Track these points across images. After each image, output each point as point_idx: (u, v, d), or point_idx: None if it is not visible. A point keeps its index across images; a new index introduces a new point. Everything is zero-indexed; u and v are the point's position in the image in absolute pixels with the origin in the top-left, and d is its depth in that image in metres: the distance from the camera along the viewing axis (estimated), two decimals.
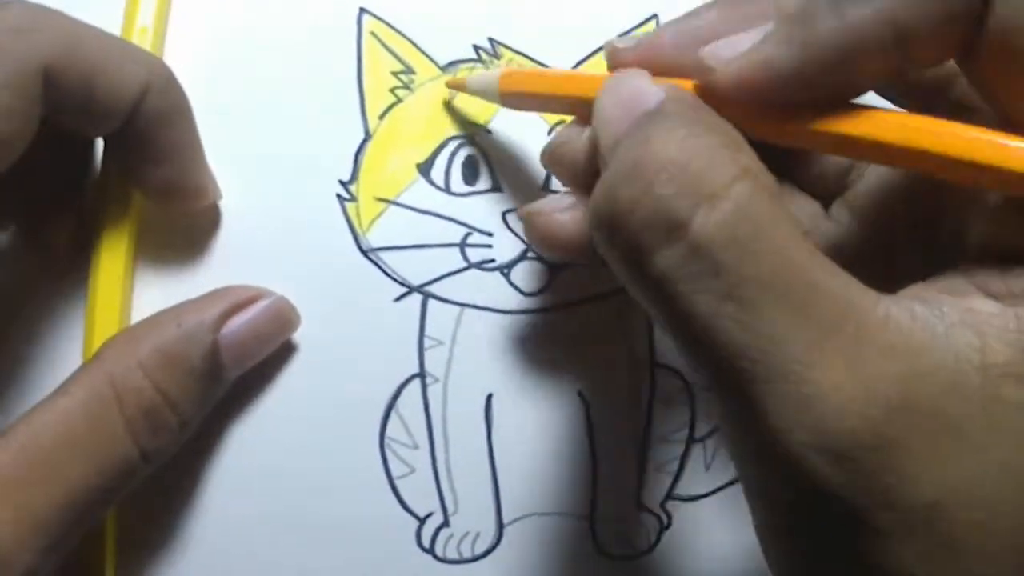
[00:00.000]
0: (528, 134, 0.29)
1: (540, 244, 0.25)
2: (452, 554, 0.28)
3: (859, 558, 0.18)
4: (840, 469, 0.17)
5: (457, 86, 0.28)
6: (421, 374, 0.28)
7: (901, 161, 0.20)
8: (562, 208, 0.24)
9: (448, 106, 0.29)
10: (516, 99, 0.26)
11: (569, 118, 0.26)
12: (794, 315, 0.18)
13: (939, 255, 0.20)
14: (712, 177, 0.18)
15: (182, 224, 0.28)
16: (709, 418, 0.29)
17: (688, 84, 0.21)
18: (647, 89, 0.21)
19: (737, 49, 0.20)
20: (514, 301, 0.29)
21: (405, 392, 0.28)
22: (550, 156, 0.25)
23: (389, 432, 0.28)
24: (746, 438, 0.19)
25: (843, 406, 0.17)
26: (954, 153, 0.19)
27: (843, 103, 0.20)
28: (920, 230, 0.22)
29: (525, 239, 0.25)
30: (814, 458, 0.17)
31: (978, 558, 0.18)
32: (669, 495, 0.29)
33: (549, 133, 0.29)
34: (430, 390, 0.28)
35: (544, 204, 0.24)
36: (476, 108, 0.29)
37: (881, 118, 0.20)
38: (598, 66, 0.29)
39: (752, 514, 0.21)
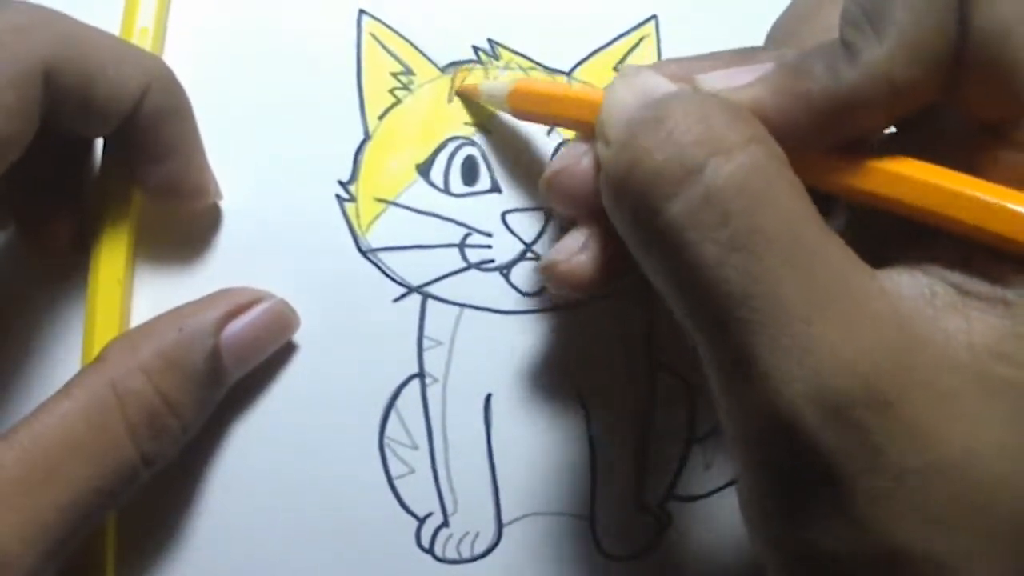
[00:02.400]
0: (528, 134, 0.29)
1: (566, 290, 0.25)
2: (452, 554, 0.28)
3: (843, 521, 0.18)
4: (834, 426, 0.18)
5: (469, 94, 0.29)
6: (420, 374, 0.28)
7: (879, 205, 0.21)
8: (577, 250, 0.24)
9: (449, 104, 0.29)
10: (525, 114, 0.27)
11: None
12: (797, 272, 0.18)
13: (928, 239, 0.20)
14: (728, 134, 0.19)
15: (182, 224, 0.28)
16: (709, 418, 0.29)
17: None
18: (660, 81, 0.22)
19: (732, 82, 0.21)
20: (513, 301, 0.29)
21: (404, 392, 0.28)
22: (549, 183, 0.25)
23: (388, 432, 0.28)
24: (740, 392, 0.19)
25: (840, 364, 0.18)
26: (952, 215, 0.20)
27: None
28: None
29: (547, 285, 0.25)
30: (809, 413, 0.18)
31: (964, 533, 0.18)
32: (669, 495, 0.29)
33: (548, 133, 0.29)
34: (429, 390, 0.28)
35: (559, 252, 0.24)
36: (476, 107, 0.29)
37: (864, 167, 0.20)
38: (597, 67, 0.30)
39: (737, 479, 0.21)
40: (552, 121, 0.27)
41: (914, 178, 0.20)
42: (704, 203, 0.18)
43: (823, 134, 0.20)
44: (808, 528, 0.19)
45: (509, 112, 0.27)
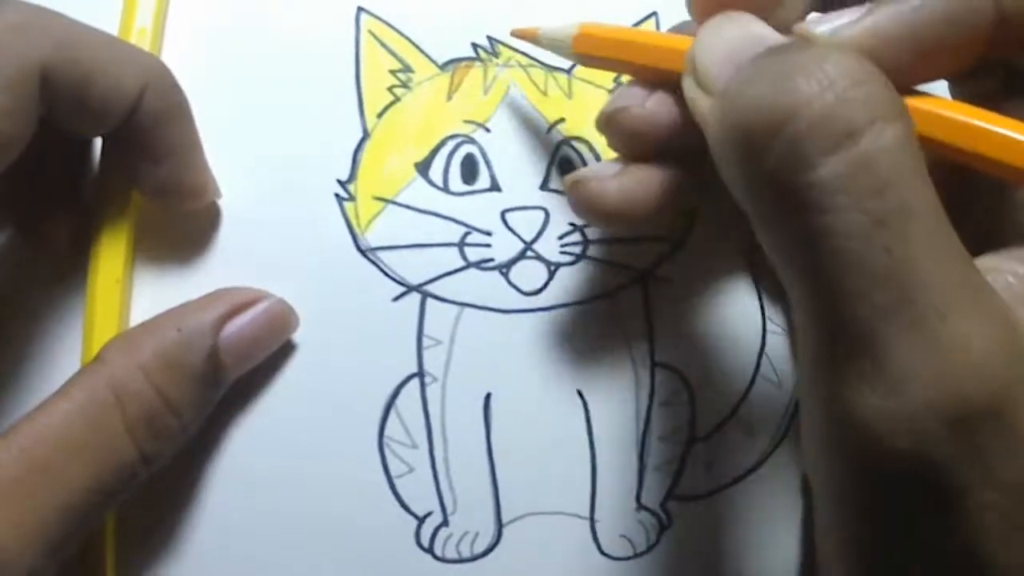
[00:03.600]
0: (527, 133, 0.29)
1: (585, 211, 0.24)
2: (451, 554, 0.28)
3: (948, 539, 0.17)
4: (952, 436, 0.17)
5: (527, 36, 0.28)
6: (420, 373, 0.28)
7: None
8: (609, 175, 0.24)
9: (448, 101, 0.29)
10: (589, 59, 0.26)
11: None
12: (938, 260, 0.17)
13: (977, 240, 0.20)
14: (887, 102, 0.18)
15: (181, 223, 0.28)
16: (709, 418, 0.29)
17: None
18: (766, 28, 0.21)
19: (834, 24, 0.20)
20: (513, 300, 0.29)
21: (404, 392, 0.28)
22: (607, 120, 0.24)
23: (388, 431, 0.28)
24: (853, 387, 0.17)
25: (969, 368, 0.17)
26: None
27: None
28: (958, 216, 0.21)
29: (571, 209, 0.25)
30: (931, 419, 0.17)
31: None
32: (669, 495, 0.28)
33: (548, 131, 0.29)
34: (429, 389, 0.28)
35: (590, 171, 0.24)
36: (476, 106, 0.29)
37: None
38: None
39: (814, 482, 0.20)
40: (619, 67, 0.26)
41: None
42: (862, 168, 0.17)
43: (938, 51, 0.20)
44: (903, 547, 0.18)
45: (572, 58, 0.27)
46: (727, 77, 0.20)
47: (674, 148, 0.24)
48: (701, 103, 0.21)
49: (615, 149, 0.25)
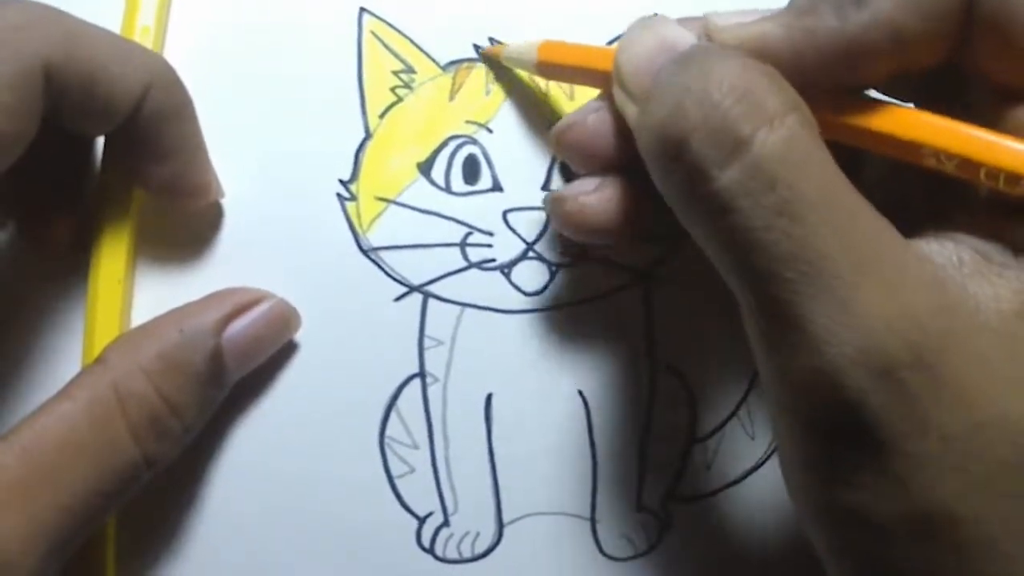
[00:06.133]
0: (529, 133, 0.29)
1: (569, 228, 0.25)
2: (452, 554, 0.28)
3: (888, 484, 0.18)
4: (880, 388, 0.18)
5: (493, 55, 0.29)
6: (421, 374, 0.28)
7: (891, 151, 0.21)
8: (588, 191, 0.25)
9: (450, 102, 0.29)
10: (551, 69, 0.27)
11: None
12: (840, 235, 0.19)
13: (951, 211, 0.21)
14: (771, 104, 0.19)
15: (183, 223, 0.28)
16: (710, 418, 0.29)
17: None
18: (678, 32, 0.22)
19: (742, 20, 0.21)
20: (514, 301, 0.29)
21: (405, 392, 0.28)
22: (558, 140, 0.25)
23: (389, 432, 0.28)
24: (786, 354, 0.19)
25: (886, 326, 0.18)
26: (955, 150, 0.20)
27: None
28: (931, 190, 0.22)
29: (553, 226, 0.26)
30: (855, 374, 0.18)
31: (1003, 495, 0.18)
32: (669, 495, 0.29)
33: (550, 132, 0.29)
34: (430, 390, 0.28)
35: (570, 189, 0.25)
36: (478, 106, 0.29)
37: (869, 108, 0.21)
38: None
39: (780, 446, 0.21)
40: (579, 77, 0.27)
41: (937, 124, 0.21)
42: (754, 171, 0.19)
43: (827, 75, 0.21)
44: (852, 492, 0.19)
45: (534, 71, 0.27)
46: (645, 85, 0.21)
47: (636, 158, 0.24)
48: (628, 110, 0.22)
49: (573, 165, 0.26)
